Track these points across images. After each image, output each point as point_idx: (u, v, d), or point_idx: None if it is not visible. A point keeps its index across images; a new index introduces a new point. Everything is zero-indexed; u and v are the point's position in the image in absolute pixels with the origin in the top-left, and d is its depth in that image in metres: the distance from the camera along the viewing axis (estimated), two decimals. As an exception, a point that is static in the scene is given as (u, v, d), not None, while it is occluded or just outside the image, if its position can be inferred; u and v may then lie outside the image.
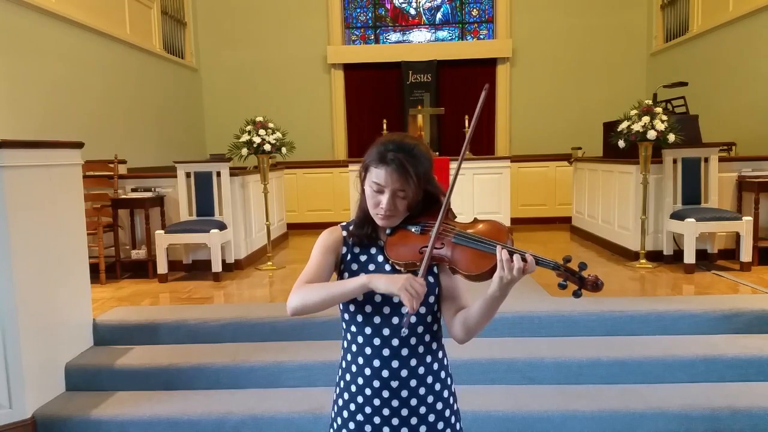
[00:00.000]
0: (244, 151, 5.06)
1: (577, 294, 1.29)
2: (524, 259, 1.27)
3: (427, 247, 1.38)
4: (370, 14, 9.96)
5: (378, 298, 1.45)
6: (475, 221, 1.45)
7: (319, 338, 3.50)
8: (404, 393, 1.46)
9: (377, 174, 1.41)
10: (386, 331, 1.45)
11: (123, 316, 3.83)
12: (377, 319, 1.46)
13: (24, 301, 3.00)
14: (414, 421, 1.46)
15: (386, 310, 1.46)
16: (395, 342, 1.45)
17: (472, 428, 2.90)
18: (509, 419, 2.94)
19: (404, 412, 1.46)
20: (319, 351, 3.37)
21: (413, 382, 1.46)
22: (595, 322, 3.55)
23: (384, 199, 1.42)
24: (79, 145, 3.60)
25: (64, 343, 3.36)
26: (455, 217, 1.49)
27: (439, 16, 9.96)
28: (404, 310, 1.43)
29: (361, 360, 1.48)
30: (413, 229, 1.45)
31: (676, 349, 3.30)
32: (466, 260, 1.36)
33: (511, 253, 1.28)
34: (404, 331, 1.43)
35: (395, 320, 1.45)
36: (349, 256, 1.51)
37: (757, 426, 2.88)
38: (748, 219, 4.69)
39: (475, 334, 1.44)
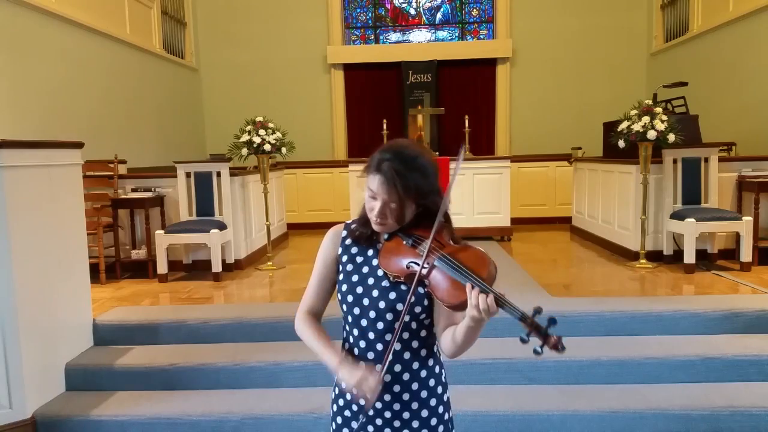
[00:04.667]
0: (244, 151, 5.06)
1: (537, 351, 1.22)
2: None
3: (414, 262, 1.35)
4: (370, 14, 9.95)
5: (366, 301, 1.43)
6: (466, 246, 1.36)
7: (320, 338, 3.49)
8: (387, 397, 1.43)
9: (372, 180, 1.38)
10: (371, 335, 1.43)
11: (123, 316, 3.83)
12: (364, 322, 1.43)
13: (24, 301, 3.00)
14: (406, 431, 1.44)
15: (372, 314, 1.42)
16: (379, 347, 1.42)
17: (472, 428, 2.90)
18: (509, 419, 2.94)
19: (387, 414, 1.44)
20: (319, 351, 3.36)
21: (396, 388, 1.43)
22: (595, 322, 3.54)
23: (376, 206, 1.39)
24: (79, 145, 3.61)
25: (64, 343, 3.36)
26: (451, 233, 1.42)
27: (439, 16, 9.95)
28: (380, 325, 1.42)
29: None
30: (404, 241, 1.41)
31: (676, 349, 3.30)
32: (442, 288, 1.30)
33: (482, 291, 1.22)
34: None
35: (380, 325, 1.41)
36: (345, 257, 1.49)
37: (757, 426, 2.88)
38: (748, 219, 4.69)
39: (462, 352, 1.39)
